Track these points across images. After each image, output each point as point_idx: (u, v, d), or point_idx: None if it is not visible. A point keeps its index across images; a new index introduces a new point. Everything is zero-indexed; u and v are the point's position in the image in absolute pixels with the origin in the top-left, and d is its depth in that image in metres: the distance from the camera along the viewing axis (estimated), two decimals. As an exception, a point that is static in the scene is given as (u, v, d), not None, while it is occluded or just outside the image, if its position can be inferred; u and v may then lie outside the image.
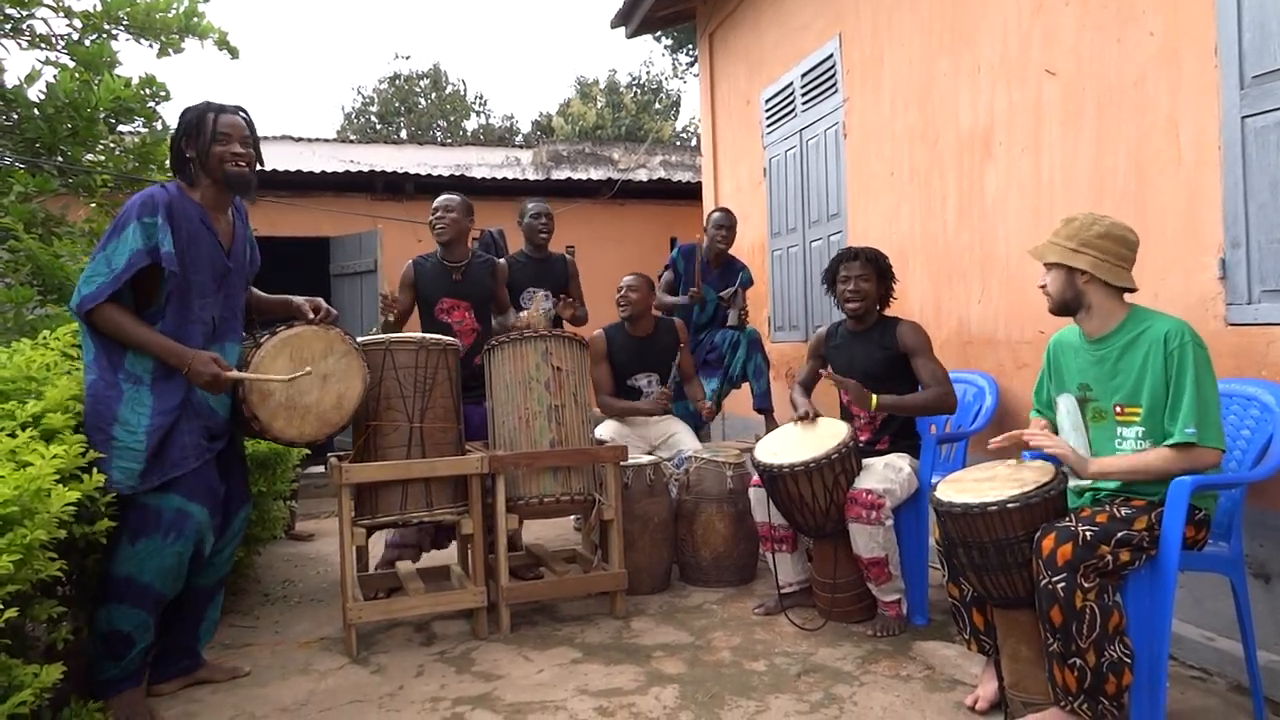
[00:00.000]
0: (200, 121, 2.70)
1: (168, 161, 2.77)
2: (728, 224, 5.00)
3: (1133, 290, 2.34)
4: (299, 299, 2.96)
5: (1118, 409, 2.33)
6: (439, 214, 4.02)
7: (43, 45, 4.07)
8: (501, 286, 4.20)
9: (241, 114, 2.77)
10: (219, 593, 2.95)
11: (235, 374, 2.65)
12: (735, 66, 6.66)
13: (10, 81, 3.94)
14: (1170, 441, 2.21)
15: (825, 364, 3.57)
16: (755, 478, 3.40)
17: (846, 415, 3.47)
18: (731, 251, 5.14)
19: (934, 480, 3.07)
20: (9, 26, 3.96)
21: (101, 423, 2.54)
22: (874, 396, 3.21)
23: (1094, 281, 2.32)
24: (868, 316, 3.39)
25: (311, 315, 2.89)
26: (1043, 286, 2.42)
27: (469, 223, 4.07)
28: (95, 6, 4.01)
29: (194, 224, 2.67)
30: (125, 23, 4.07)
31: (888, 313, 3.45)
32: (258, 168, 2.80)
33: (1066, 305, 2.38)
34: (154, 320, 2.62)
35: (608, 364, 4.29)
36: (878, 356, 3.34)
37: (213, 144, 2.67)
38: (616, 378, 4.33)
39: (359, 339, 3.22)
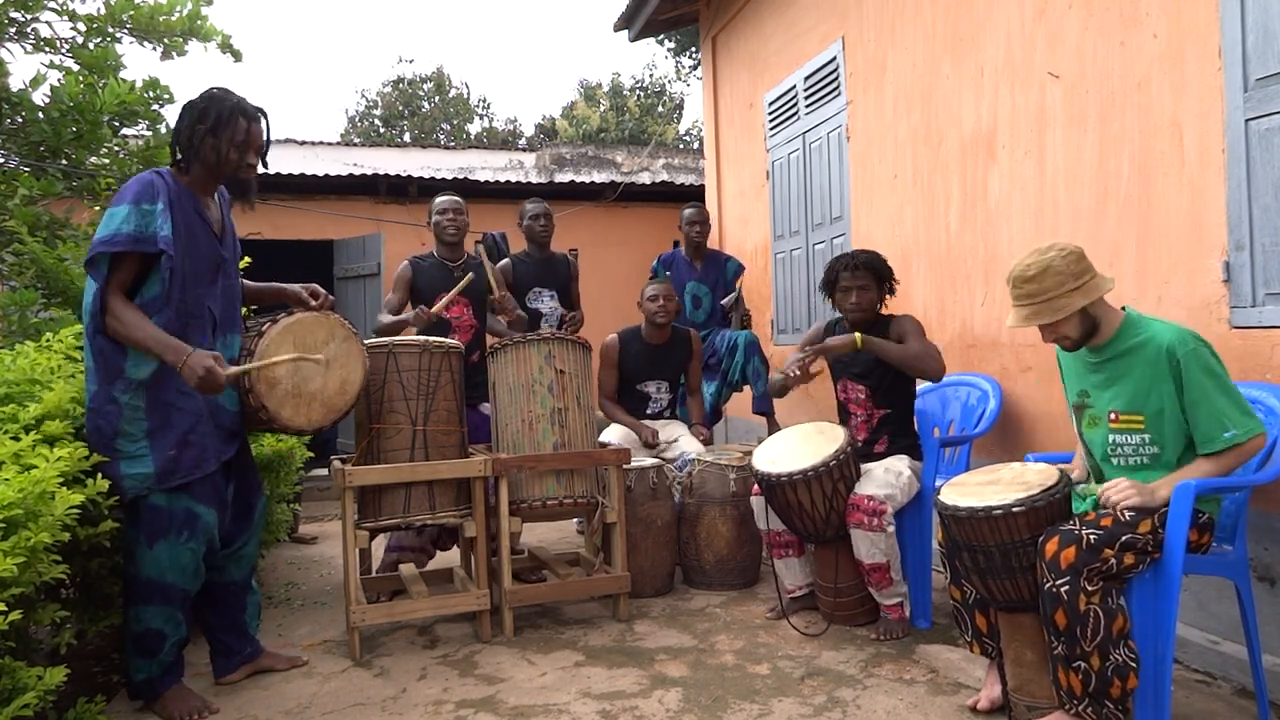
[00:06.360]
0: (231, 122, 2.64)
1: (171, 145, 2.72)
2: (700, 219, 5.14)
3: (1111, 288, 2.33)
4: (294, 286, 2.93)
5: (1112, 415, 2.35)
6: (449, 215, 4.08)
7: (47, 49, 4.08)
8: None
9: (264, 121, 2.74)
10: (252, 578, 2.98)
11: (234, 370, 2.58)
12: (738, 70, 6.66)
13: (15, 85, 3.95)
14: (1210, 450, 2.20)
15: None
16: (756, 485, 3.39)
17: (844, 416, 3.47)
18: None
19: (938, 483, 3.06)
20: (13, 30, 3.97)
21: (104, 438, 2.53)
22: (857, 335, 3.22)
23: (1095, 302, 2.33)
24: (868, 319, 3.38)
25: (312, 302, 2.88)
26: (1054, 340, 2.39)
27: (469, 222, 4.20)
28: (99, 10, 4.01)
29: (189, 213, 2.63)
30: (129, 26, 4.07)
31: (885, 310, 3.44)
32: (259, 171, 2.81)
33: (1088, 336, 2.37)
34: (153, 313, 2.54)
35: (616, 371, 4.30)
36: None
37: (232, 150, 2.65)
38: (625, 382, 4.34)
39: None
